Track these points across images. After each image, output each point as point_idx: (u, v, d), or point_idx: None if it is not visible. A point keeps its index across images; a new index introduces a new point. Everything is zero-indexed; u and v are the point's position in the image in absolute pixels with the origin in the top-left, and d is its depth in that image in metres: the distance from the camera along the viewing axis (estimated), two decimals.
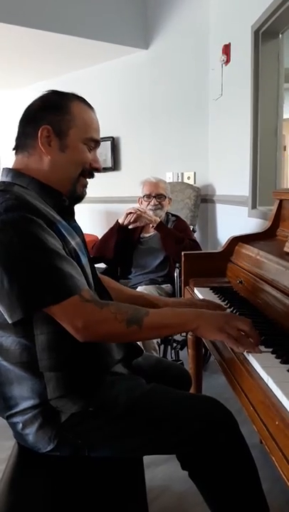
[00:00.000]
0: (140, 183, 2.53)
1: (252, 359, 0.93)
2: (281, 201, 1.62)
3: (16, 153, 1.07)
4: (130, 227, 2.39)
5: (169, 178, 3.41)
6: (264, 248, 1.46)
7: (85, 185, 1.12)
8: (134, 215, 2.36)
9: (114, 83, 3.78)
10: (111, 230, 2.46)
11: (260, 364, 0.89)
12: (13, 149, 1.08)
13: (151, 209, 2.43)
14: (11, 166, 1.06)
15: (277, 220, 1.64)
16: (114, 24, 3.32)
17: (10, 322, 0.90)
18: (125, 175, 3.84)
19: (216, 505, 1.06)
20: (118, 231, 2.42)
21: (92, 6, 3.20)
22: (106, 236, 2.47)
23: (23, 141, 1.04)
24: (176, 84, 3.38)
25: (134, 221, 2.37)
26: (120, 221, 2.43)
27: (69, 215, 1.09)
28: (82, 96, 1.10)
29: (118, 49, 3.45)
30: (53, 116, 1.02)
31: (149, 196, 2.46)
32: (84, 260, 1.07)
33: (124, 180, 3.79)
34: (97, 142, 1.09)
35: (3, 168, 1.06)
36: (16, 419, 1.01)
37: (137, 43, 3.47)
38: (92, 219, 3.89)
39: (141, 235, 2.51)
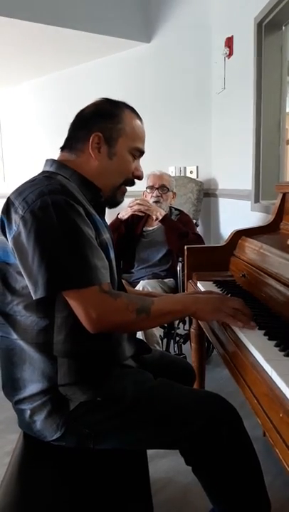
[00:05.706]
0: (145, 177, 2.52)
1: (255, 351, 0.93)
2: (284, 195, 1.61)
3: (62, 151, 1.12)
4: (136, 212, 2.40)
5: (171, 172, 3.40)
6: (267, 242, 1.46)
7: (124, 193, 1.17)
8: (143, 207, 2.36)
9: (116, 77, 3.76)
10: (112, 225, 2.45)
11: (264, 357, 0.89)
12: (60, 148, 1.12)
13: (154, 200, 2.43)
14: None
15: (280, 213, 1.64)
16: (115, 17, 3.29)
17: (34, 298, 0.93)
18: None
19: (218, 500, 1.07)
20: (120, 226, 2.42)
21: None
22: None
23: (73, 144, 1.09)
24: (179, 77, 3.37)
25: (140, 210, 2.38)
26: (121, 216, 2.42)
27: (101, 212, 1.13)
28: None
29: (119, 42, 3.42)
30: (105, 123, 1.07)
31: (152, 188, 2.47)
32: (112, 255, 1.11)
33: None
34: (142, 153, 1.16)
35: (47, 159, 1.10)
36: (24, 406, 1.02)
37: (139, 36, 3.45)
38: None
39: (144, 229, 2.50)
